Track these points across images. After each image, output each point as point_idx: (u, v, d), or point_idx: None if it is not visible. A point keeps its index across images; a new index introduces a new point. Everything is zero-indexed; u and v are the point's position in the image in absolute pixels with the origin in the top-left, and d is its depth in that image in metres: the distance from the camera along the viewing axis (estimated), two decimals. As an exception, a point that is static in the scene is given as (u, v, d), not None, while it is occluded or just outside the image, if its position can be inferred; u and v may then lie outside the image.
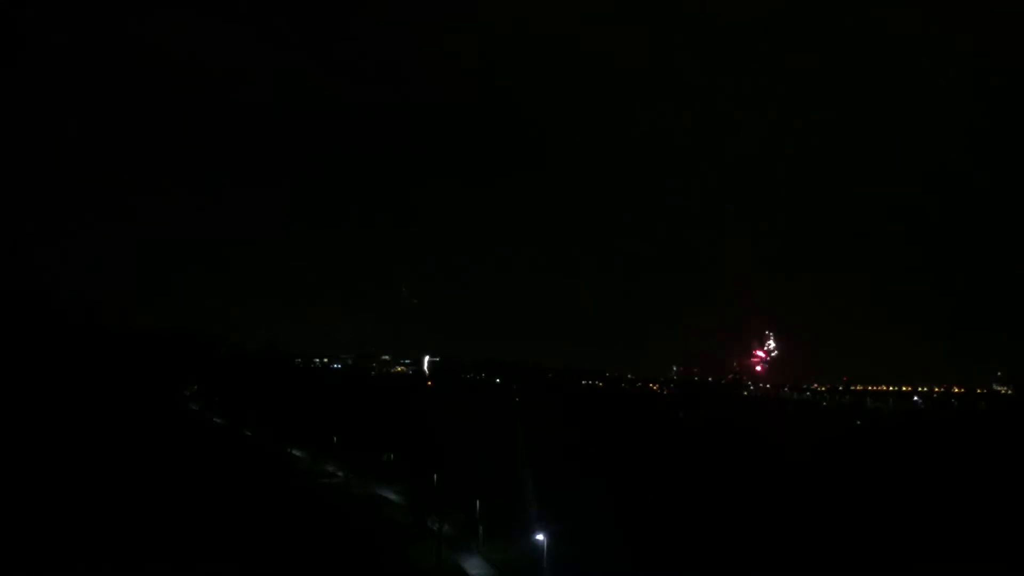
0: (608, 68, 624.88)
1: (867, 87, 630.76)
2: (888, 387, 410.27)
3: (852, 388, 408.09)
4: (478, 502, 66.77)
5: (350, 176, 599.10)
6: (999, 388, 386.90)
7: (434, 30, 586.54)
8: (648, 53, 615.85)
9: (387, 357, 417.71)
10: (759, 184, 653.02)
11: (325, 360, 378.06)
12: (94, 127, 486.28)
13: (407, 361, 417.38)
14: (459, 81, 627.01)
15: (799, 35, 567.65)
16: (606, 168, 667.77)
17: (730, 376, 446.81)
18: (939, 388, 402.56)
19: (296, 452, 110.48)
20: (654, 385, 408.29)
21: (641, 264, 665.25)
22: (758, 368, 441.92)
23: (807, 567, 62.12)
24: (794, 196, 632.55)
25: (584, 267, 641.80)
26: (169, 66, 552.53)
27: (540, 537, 55.39)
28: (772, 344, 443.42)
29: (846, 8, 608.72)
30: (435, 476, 79.90)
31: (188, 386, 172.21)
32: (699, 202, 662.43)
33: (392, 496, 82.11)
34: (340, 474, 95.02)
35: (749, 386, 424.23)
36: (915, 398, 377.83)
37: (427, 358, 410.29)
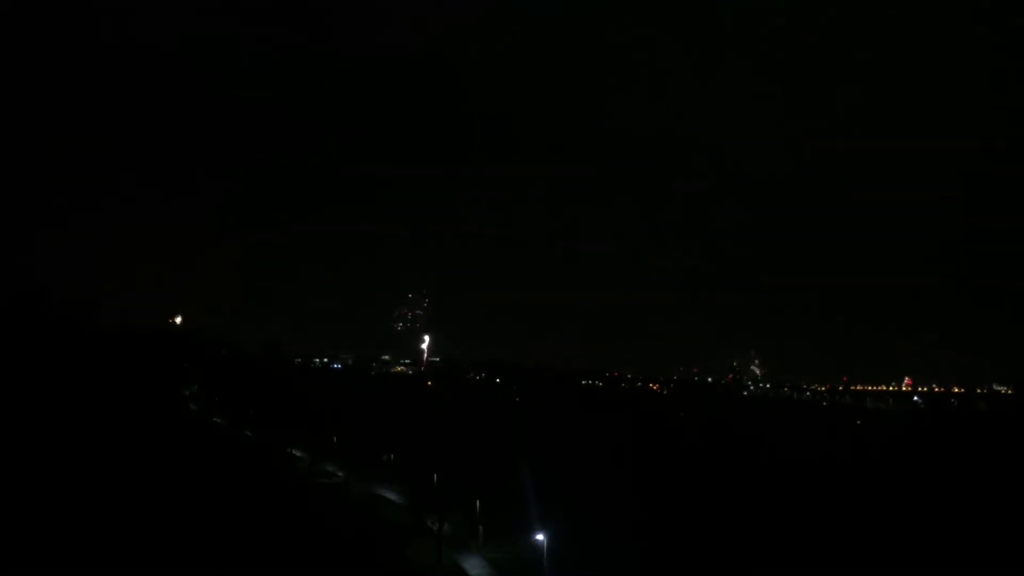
0: (597, 62, 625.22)
1: (869, 86, 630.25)
2: (888, 387, 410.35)
3: (852, 388, 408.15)
4: (478, 502, 66.77)
5: (353, 176, 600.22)
6: (999, 388, 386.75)
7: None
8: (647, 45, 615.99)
9: (387, 357, 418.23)
10: (758, 182, 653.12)
11: (325, 360, 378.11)
12: (89, 127, 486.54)
13: (407, 361, 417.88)
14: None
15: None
16: (602, 166, 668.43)
17: (730, 376, 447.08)
18: (939, 388, 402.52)
19: (296, 452, 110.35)
20: (654, 385, 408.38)
21: (640, 264, 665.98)
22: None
23: (803, 569, 62.12)
24: (794, 194, 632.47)
25: (584, 267, 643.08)
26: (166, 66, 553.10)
27: (540, 537, 55.38)
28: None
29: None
30: (435, 476, 79.83)
31: (188, 386, 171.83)
32: (699, 201, 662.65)
33: (392, 496, 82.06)
34: (340, 474, 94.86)
35: (749, 386, 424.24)
36: (915, 398, 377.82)
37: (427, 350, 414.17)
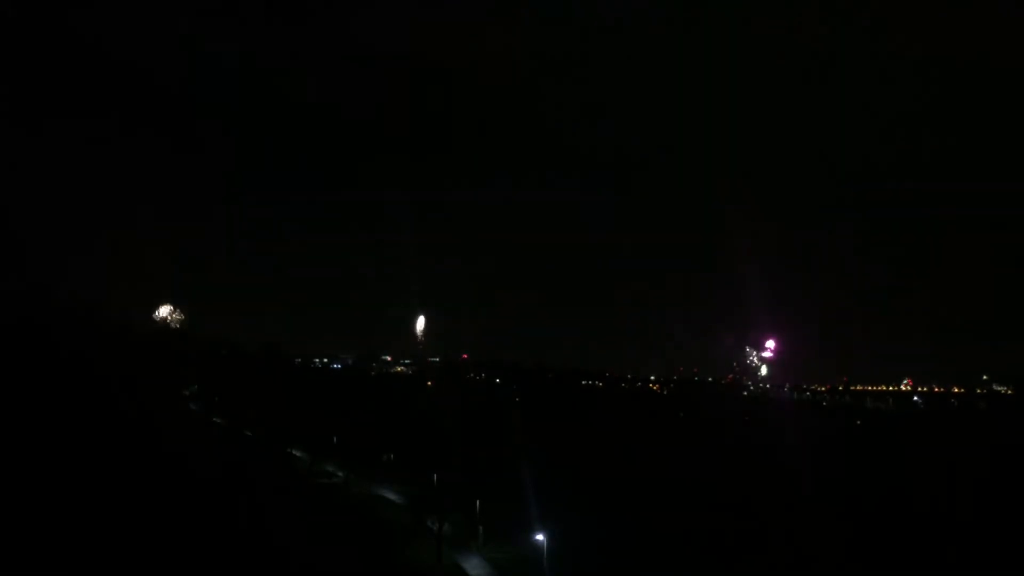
0: (601, 64, 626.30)
1: (871, 89, 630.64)
2: (888, 387, 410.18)
3: (852, 388, 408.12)
4: (478, 502, 66.84)
5: (347, 173, 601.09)
6: (999, 388, 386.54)
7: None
8: (646, 44, 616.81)
9: (388, 357, 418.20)
10: (761, 183, 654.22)
11: (325, 360, 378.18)
12: (88, 126, 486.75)
13: (407, 361, 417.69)
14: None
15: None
16: (606, 165, 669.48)
17: (730, 376, 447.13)
18: (939, 388, 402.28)
19: (296, 452, 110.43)
20: (654, 385, 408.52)
21: (641, 264, 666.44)
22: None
23: (802, 566, 62.19)
24: (794, 195, 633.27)
25: (584, 267, 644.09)
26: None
27: (540, 537, 55.40)
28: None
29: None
30: (435, 476, 79.98)
31: (188, 386, 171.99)
32: (702, 200, 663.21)
33: (392, 496, 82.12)
34: (340, 474, 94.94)
35: (749, 386, 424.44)
36: (915, 398, 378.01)
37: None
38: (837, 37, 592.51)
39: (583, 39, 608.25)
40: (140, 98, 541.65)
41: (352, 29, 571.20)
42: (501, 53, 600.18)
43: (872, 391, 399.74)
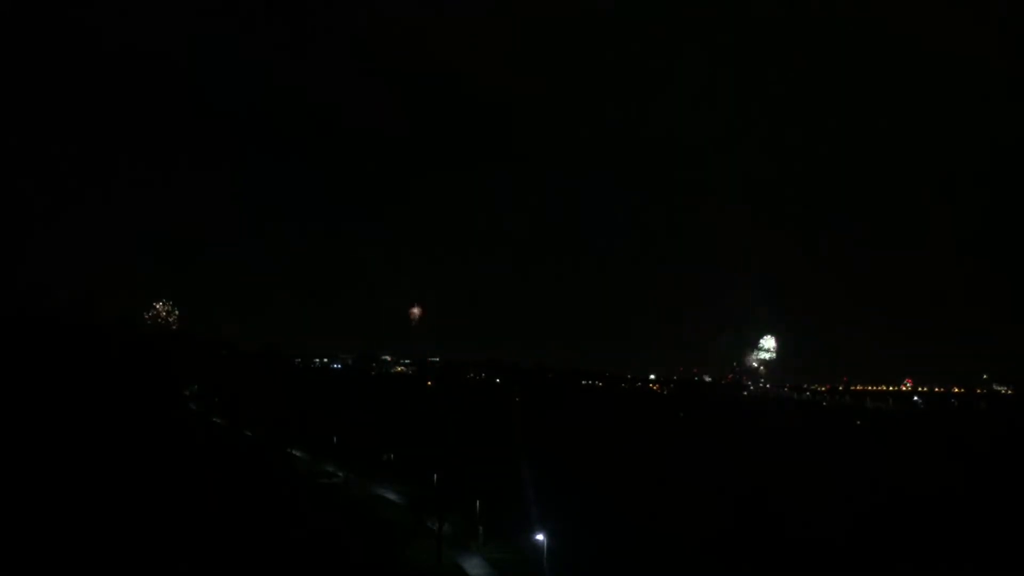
0: (603, 64, 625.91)
1: (872, 91, 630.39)
2: (888, 387, 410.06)
3: (852, 388, 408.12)
4: (478, 502, 66.80)
5: (347, 174, 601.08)
6: (999, 388, 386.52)
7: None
8: (652, 50, 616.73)
9: (388, 357, 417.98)
10: (762, 183, 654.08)
11: (325, 360, 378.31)
12: (89, 128, 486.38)
13: (407, 361, 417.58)
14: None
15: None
16: (606, 165, 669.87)
17: (730, 376, 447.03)
18: (939, 388, 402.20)
19: (296, 452, 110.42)
20: (655, 385, 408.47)
21: (641, 264, 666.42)
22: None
23: (803, 566, 62.21)
24: (795, 194, 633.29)
25: (584, 268, 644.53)
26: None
27: (540, 537, 55.34)
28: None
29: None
30: (435, 476, 79.96)
31: (188, 386, 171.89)
32: (702, 200, 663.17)
33: (392, 496, 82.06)
34: (340, 474, 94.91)
35: (749, 386, 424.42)
36: (915, 398, 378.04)
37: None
38: (838, 36, 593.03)
39: (582, 38, 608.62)
40: (140, 97, 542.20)
41: (353, 29, 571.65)
42: (501, 53, 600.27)
43: (872, 391, 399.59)
